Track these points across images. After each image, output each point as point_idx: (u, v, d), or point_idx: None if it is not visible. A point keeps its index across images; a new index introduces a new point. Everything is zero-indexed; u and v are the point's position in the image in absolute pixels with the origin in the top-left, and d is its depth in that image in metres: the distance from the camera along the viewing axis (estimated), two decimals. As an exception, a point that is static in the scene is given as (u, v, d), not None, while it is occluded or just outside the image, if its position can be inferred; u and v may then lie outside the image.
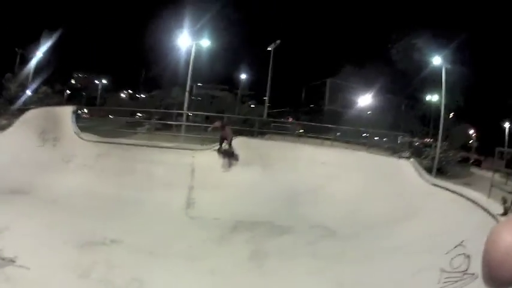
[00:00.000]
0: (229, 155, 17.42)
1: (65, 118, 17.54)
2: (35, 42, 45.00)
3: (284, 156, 18.40)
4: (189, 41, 31.36)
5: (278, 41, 35.63)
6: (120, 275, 8.60)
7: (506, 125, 48.29)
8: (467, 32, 38.84)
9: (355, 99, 46.34)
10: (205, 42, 33.27)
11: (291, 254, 11.79)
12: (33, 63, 43.52)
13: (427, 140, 34.10)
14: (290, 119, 37.81)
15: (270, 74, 35.44)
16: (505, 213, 11.51)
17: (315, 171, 17.69)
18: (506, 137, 46.58)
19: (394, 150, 22.17)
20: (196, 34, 31.47)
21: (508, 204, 12.16)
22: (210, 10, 37.42)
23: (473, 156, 42.68)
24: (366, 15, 56.90)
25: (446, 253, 10.21)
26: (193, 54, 29.88)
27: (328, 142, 23.36)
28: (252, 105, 49.56)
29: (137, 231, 11.54)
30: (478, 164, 39.40)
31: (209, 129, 18.58)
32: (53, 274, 8.20)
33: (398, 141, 25.15)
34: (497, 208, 11.89)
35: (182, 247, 11.10)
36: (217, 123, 18.23)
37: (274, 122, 33.25)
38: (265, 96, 37.25)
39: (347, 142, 23.92)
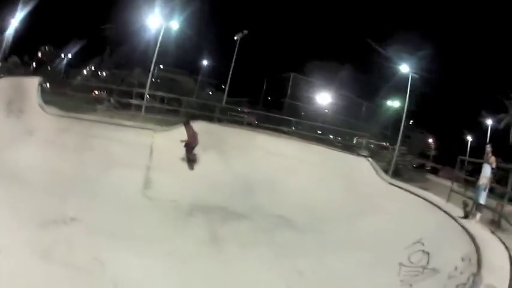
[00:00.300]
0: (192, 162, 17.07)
1: (31, 90, 16.91)
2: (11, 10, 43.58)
3: (242, 144, 18.57)
4: (158, 22, 30.81)
5: (245, 31, 35.39)
6: (81, 255, 8.39)
7: (469, 137, 49.19)
8: (435, 42, 39.51)
9: (317, 96, 46.56)
10: (175, 25, 32.87)
11: (248, 241, 11.86)
12: (8, 32, 42.14)
13: (385, 143, 34.42)
14: (246, 110, 37.48)
15: (232, 63, 35.15)
16: (465, 217, 11.96)
17: (271, 161, 17.85)
18: (468, 149, 47.31)
19: (353, 148, 22.42)
20: (166, 16, 30.97)
21: (469, 208, 12.66)
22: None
23: (430, 164, 43.34)
24: (337, 15, 57.19)
25: (404, 249, 10.50)
26: (161, 35, 29.36)
27: (286, 134, 23.62)
28: (210, 93, 49.36)
29: (96, 210, 11.32)
30: (434, 171, 40.12)
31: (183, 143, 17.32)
32: (14, 255, 7.83)
33: (354, 141, 25.36)
34: (456, 211, 12.38)
35: (141, 228, 10.99)
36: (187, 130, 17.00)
37: (231, 110, 32.84)
38: (227, 84, 37.00)
39: (305, 136, 23.99)
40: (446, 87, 48.04)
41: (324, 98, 46.40)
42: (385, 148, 31.99)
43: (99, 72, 47.72)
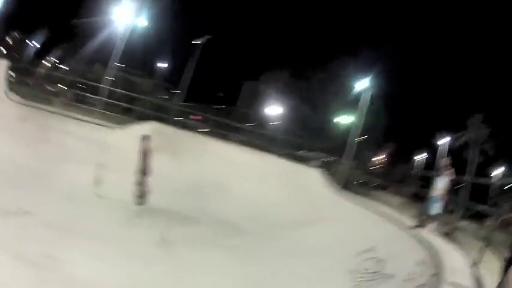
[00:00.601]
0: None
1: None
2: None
3: (194, 148, 18.44)
4: (124, 19, 30.24)
5: (208, 37, 35.38)
6: (34, 249, 8.13)
7: (419, 156, 50.18)
8: (395, 58, 40.54)
9: (270, 106, 46.92)
10: (142, 22, 32.42)
11: (198, 245, 11.70)
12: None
13: (335, 158, 34.83)
14: (196, 117, 37.50)
15: (193, 68, 35.13)
16: (419, 226, 12.29)
17: (222, 167, 17.84)
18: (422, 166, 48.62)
19: (304, 159, 22.67)
20: (133, 14, 30.47)
21: (423, 218, 13.00)
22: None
23: (379, 181, 44.23)
24: (297, 27, 57.94)
25: (356, 256, 10.56)
26: (126, 34, 28.83)
27: (238, 142, 23.45)
28: (166, 96, 49.09)
29: (49, 204, 10.85)
30: (384, 187, 40.88)
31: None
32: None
33: (303, 153, 25.62)
34: (409, 222, 12.81)
35: (92, 226, 10.57)
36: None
37: (185, 113, 32.66)
38: (183, 88, 36.85)
39: (257, 145, 24.19)
40: (402, 105, 49.07)
41: (277, 109, 46.78)
42: (335, 162, 32.40)
43: (61, 65, 46.91)
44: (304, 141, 30.15)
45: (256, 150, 21.67)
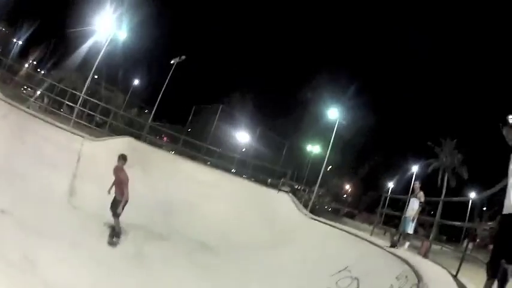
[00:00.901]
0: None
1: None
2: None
3: (165, 166, 18.38)
4: (105, 30, 30.06)
5: (183, 57, 35.42)
6: (12, 250, 8.02)
7: (390, 184, 50.73)
8: (365, 88, 41.27)
9: (241, 130, 47.18)
10: (122, 35, 32.30)
11: (171, 260, 11.81)
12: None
13: (302, 186, 35.00)
14: (165, 139, 37.55)
15: (164, 86, 35.08)
16: (392, 246, 12.38)
17: (192, 186, 17.79)
18: (387, 199, 49.55)
19: (273, 184, 22.82)
20: (114, 26, 30.36)
21: (396, 237, 13.41)
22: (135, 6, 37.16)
23: (346, 209, 44.68)
24: (272, 51, 59.05)
25: (331, 276, 10.58)
26: (106, 44, 28.61)
27: (208, 163, 23.85)
28: (137, 113, 49.09)
29: (26, 205, 10.64)
30: (351, 216, 41.34)
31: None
32: None
33: (270, 180, 25.79)
34: (381, 242, 12.94)
35: (68, 232, 10.48)
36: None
37: (156, 131, 32.42)
38: (155, 106, 36.93)
39: (227, 168, 24.34)
40: (373, 134, 49.91)
41: (247, 134, 47.05)
42: (303, 190, 32.53)
43: (39, 69, 46.57)
44: (274, 166, 30.20)
45: (226, 172, 21.90)
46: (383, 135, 53.18)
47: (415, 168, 46.30)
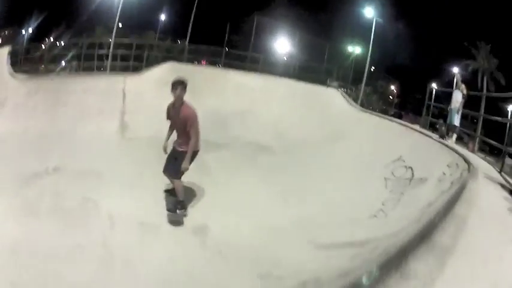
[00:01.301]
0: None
1: (1, 61, 16.21)
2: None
3: (212, 81, 18.71)
4: None
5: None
6: (70, 199, 8.31)
7: (433, 85, 49.96)
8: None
9: (281, 38, 46.73)
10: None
11: (233, 166, 12.33)
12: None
13: (349, 85, 34.81)
14: (203, 62, 37.53)
15: (194, 9, 34.88)
16: (441, 137, 12.87)
17: (242, 95, 18.26)
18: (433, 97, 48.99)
19: (321, 81, 22.93)
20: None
21: (444, 128, 13.88)
22: None
23: (394, 110, 44.41)
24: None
25: (385, 167, 11.00)
26: None
27: (254, 71, 24.09)
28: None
29: (78, 157, 10.87)
30: (399, 116, 41.14)
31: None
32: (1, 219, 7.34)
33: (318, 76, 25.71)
34: (431, 135, 13.25)
35: (125, 166, 10.89)
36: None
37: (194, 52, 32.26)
38: (187, 34, 36.69)
39: (273, 72, 24.97)
40: (410, 34, 48.79)
41: (287, 41, 46.63)
42: (349, 89, 32.46)
43: (58, 43, 47.02)
44: (319, 68, 30.10)
45: (274, 76, 22.32)
46: (420, 38, 51.55)
47: (455, 70, 45.01)
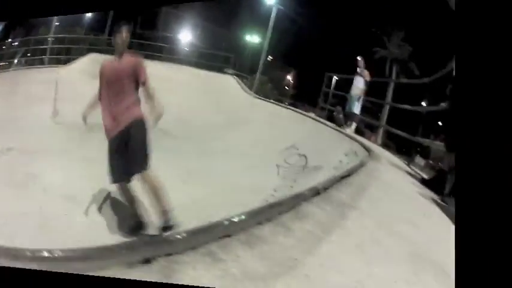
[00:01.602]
0: None
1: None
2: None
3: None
4: None
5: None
6: (20, 173, 8.98)
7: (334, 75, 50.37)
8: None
9: (185, 29, 47.28)
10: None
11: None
12: None
13: (246, 74, 35.37)
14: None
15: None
16: (339, 125, 13.80)
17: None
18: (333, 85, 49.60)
19: (220, 69, 24.79)
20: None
21: (342, 116, 14.50)
22: None
23: (289, 101, 44.98)
24: None
25: (279, 153, 11.74)
26: None
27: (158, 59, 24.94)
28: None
29: (26, 139, 11.37)
30: (294, 107, 42.29)
31: None
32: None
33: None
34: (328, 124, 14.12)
35: (56, 145, 11.71)
36: None
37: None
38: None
39: (174, 59, 26.56)
40: (314, 22, 47.49)
41: (189, 32, 47.48)
42: (245, 78, 33.14)
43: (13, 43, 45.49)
44: (218, 56, 30.87)
45: (175, 64, 23.77)
46: (326, 26, 51.16)
47: (359, 57, 45.06)
